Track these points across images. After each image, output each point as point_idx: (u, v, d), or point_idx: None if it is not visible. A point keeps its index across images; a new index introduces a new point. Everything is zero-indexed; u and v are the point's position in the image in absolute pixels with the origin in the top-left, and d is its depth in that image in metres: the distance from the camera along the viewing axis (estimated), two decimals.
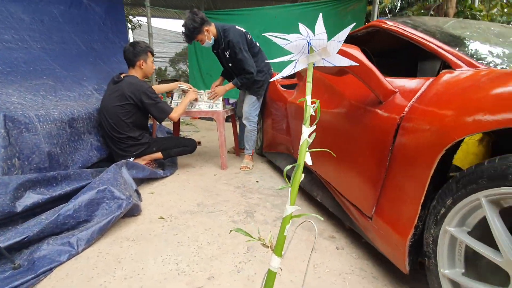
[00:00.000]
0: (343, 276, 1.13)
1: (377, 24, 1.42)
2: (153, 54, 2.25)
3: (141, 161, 2.17)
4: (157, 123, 2.53)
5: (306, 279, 1.10)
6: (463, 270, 0.80)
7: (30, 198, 1.31)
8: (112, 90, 2.08)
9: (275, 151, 2.61)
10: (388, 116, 1.02)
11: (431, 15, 4.78)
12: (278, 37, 0.57)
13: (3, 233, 1.16)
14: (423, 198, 0.85)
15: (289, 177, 0.52)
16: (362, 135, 1.17)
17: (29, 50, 1.82)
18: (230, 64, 2.46)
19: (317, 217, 0.50)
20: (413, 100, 0.97)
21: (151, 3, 5.44)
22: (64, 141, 1.74)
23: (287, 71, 0.59)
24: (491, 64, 0.94)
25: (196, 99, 2.46)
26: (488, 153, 0.86)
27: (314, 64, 0.57)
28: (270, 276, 0.50)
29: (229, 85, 2.47)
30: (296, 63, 0.58)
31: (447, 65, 1.04)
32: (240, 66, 2.35)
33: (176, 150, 2.33)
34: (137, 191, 1.77)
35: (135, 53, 2.12)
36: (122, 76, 2.13)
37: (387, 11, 7.35)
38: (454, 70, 0.93)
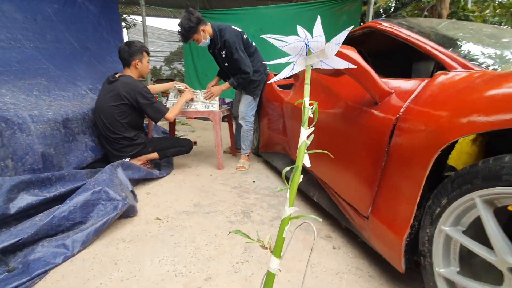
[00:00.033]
0: (340, 276, 1.14)
1: (372, 25, 1.43)
2: (148, 54, 2.23)
3: (137, 162, 2.16)
4: (153, 123, 2.52)
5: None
6: (458, 269, 0.81)
7: (24, 199, 1.30)
8: (107, 90, 2.06)
9: (271, 151, 2.61)
10: (384, 116, 1.03)
11: (425, 15, 4.83)
12: (276, 39, 0.57)
13: None
14: (418, 198, 0.86)
15: (287, 179, 0.52)
16: (358, 135, 1.18)
17: (22, 50, 1.79)
18: (226, 64, 2.45)
19: (316, 219, 0.50)
20: (408, 101, 0.98)
21: (146, 2, 5.39)
22: (58, 141, 1.72)
23: (285, 73, 0.59)
24: (483, 65, 0.95)
25: (192, 99, 2.45)
26: (481, 152, 0.87)
27: (312, 66, 0.57)
28: (269, 277, 0.51)
29: (225, 85, 2.46)
30: (294, 65, 0.58)
31: (440, 66, 1.06)
32: (236, 66, 2.35)
33: (172, 150, 2.32)
34: (133, 192, 1.76)
35: (131, 52, 2.11)
36: (117, 76, 2.11)
37: (382, 12, 7.40)
38: (449, 71, 0.95)
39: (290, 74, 0.58)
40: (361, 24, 5.09)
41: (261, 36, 0.62)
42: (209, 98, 2.47)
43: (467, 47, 1.13)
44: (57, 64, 2.03)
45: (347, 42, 1.68)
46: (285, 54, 0.61)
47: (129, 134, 2.09)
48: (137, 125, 2.19)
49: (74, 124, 1.90)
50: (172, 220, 1.55)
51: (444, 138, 0.76)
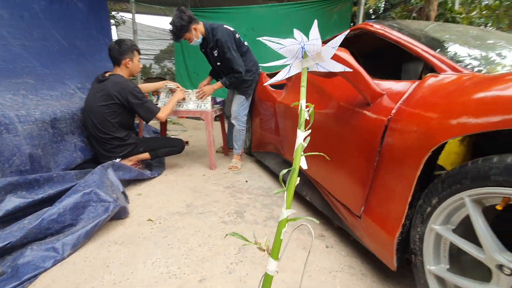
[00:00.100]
0: (333, 274, 1.15)
1: (364, 27, 1.45)
2: (139, 53, 2.20)
3: (128, 162, 2.13)
4: (144, 122, 2.49)
5: (297, 277, 1.12)
6: (447, 266, 0.83)
7: (12, 202, 1.26)
8: (97, 89, 2.02)
9: (264, 151, 2.62)
10: (376, 117, 1.05)
11: (414, 17, 4.92)
12: (273, 42, 0.57)
13: None
14: (410, 197, 0.88)
15: (284, 181, 0.52)
16: (351, 136, 1.20)
17: (8, 47, 1.73)
18: (218, 63, 2.44)
19: (313, 220, 0.51)
20: (400, 102, 1.00)
21: None
22: (46, 142, 1.67)
23: (282, 75, 0.59)
24: (468, 66, 0.98)
25: (184, 99, 2.43)
26: (469, 152, 0.90)
27: (308, 68, 0.58)
28: (267, 279, 0.51)
29: (218, 84, 2.45)
30: (290, 67, 0.58)
31: (429, 67, 1.08)
32: (229, 65, 2.34)
33: (163, 150, 2.30)
34: (124, 193, 1.74)
35: (121, 51, 2.07)
36: (107, 74, 2.07)
37: (372, 12, 7.50)
38: (439, 74, 0.97)
39: (287, 77, 0.58)
40: (352, 24, 5.15)
41: (257, 38, 0.62)
42: (201, 98, 2.45)
43: (456, 49, 1.16)
44: (45, 63, 1.98)
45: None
46: (277, 53, 0.61)
47: (119, 134, 2.06)
48: (127, 125, 2.16)
49: (63, 124, 1.86)
50: (165, 221, 1.53)
51: (435, 139, 0.78)
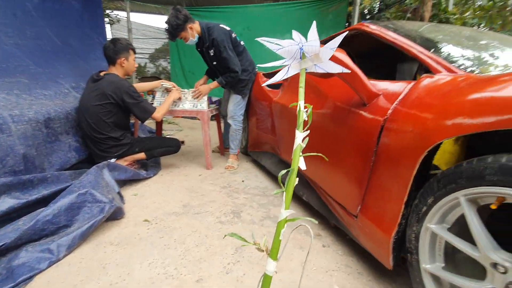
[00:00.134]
0: (330, 273, 1.16)
1: (359, 27, 1.46)
2: (134, 52, 2.18)
3: (123, 162, 2.11)
4: (139, 122, 2.47)
5: (294, 277, 1.12)
6: (443, 264, 0.84)
7: (6, 203, 1.24)
8: (92, 89, 2.00)
9: (260, 151, 2.62)
10: (373, 118, 1.06)
11: (408, 17, 4.96)
12: (271, 42, 0.57)
13: None
14: (406, 197, 0.89)
15: (282, 182, 0.52)
16: (348, 135, 1.21)
17: (1, 46, 1.70)
18: (214, 63, 2.43)
19: (312, 221, 0.51)
20: (396, 103, 1.01)
21: None
22: (40, 142, 1.65)
23: (280, 76, 0.60)
24: (462, 67, 0.99)
25: (179, 98, 2.42)
26: (462, 152, 0.91)
27: (306, 69, 0.58)
28: (266, 279, 0.51)
29: (214, 84, 2.44)
30: (288, 68, 0.58)
31: (423, 67, 1.10)
32: (225, 65, 2.33)
33: (159, 150, 2.28)
34: (119, 194, 1.72)
35: (116, 50, 2.05)
36: (102, 74, 2.05)
37: (366, 12, 7.54)
38: (434, 74, 0.98)
39: (285, 77, 0.59)
40: (347, 24, 5.18)
41: (256, 39, 0.62)
42: (197, 97, 2.44)
43: (450, 50, 1.17)
44: (38, 62, 1.95)
45: None
46: (273, 53, 0.61)
47: (115, 134, 2.04)
48: (123, 125, 2.14)
49: (57, 123, 1.83)
50: (161, 221, 1.53)
51: (430, 139, 0.79)
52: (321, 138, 1.41)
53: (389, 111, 1.00)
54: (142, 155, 2.20)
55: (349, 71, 0.70)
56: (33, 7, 1.97)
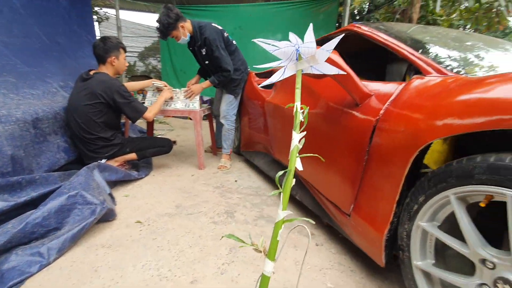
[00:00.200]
0: (324, 272, 1.17)
1: (351, 28, 1.48)
2: (125, 51, 2.15)
3: (114, 163, 2.08)
4: (130, 122, 2.43)
5: (288, 276, 1.13)
6: (433, 261, 0.87)
7: None
8: (81, 88, 1.96)
9: (252, 150, 2.62)
10: (365, 118, 1.07)
11: (397, 19, 5.05)
12: (268, 43, 0.58)
13: None
14: (398, 195, 0.91)
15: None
16: (340, 136, 1.22)
17: None
18: (206, 62, 2.42)
19: (309, 221, 0.52)
20: (387, 103, 1.02)
21: None
22: (28, 143, 1.61)
23: (276, 77, 0.60)
24: (449, 67, 1.02)
25: (171, 98, 2.40)
26: (451, 151, 0.94)
27: (302, 71, 0.59)
28: (264, 280, 0.51)
29: (206, 83, 2.43)
30: (285, 69, 0.59)
31: (412, 68, 1.12)
32: (217, 64, 2.32)
33: (151, 150, 2.26)
34: (111, 195, 1.70)
35: (106, 49, 2.02)
36: (91, 73, 2.01)
37: (356, 13, 7.63)
38: (424, 76, 1.00)
39: (281, 79, 0.59)
40: (337, 24, 5.23)
41: (252, 40, 0.62)
42: (189, 97, 2.42)
43: (440, 52, 1.20)
44: (26, 60, 1.89)
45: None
46: (266, 52, 0.61)
47: (105, 134, 2.01)
48: (113, 125, 2.10)
49: (45, 124, 1.79)
50: (154, 223, 1.51)
51: (422, 139, 0.81)
52: (314, 138, 1.42)
53: (381, 112, 1.02)
54: (133, 156, 2.17)
55: (345, 73, 0.71)
56: (21, 4, 1.92)
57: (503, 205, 0.65)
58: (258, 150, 2.50)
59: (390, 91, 1.06)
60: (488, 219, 0.76)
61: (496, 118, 0.65)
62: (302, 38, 0.57)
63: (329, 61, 0.99)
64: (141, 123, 3.67)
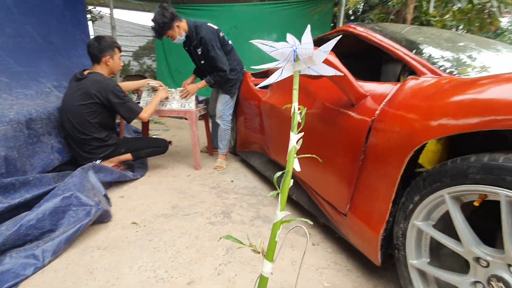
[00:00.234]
0: (320, 271, 1.18)
1: (347, 29, 1.49)
2: (120, 50, 2.13)
3: (109, 163, 2.06)
4: (125, 122, 2.41)
5: (285, 276, 1.13)
6: (428, 260, 0.88)
7: None
8: (75, 88, 1.94)
9: (248, 150, 2.62)
10: (361, 118, 1.08)
11: (391, 19, 5.09)
12: (265, 44, 0.58)
13: None
14: (393, 195, 0.91)
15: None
16: (336, 136, 1.23)
17: None
18: (202, 62, 2.41)
19: (307, 222, 0.52)
20: (383, 104, 1.03)
21: None
22: (21, 143, 1.59)
23: (274, 78, 0.60)
24: (443, 68, 1.03)
25: (167, 98, 2.38)
26: (445, 151, 0.95)
27: (300, 72, 0.59)
28: (263, 281, 0.51)
29: (202, 83, 2.42)
30: (282, 70, 0.59)
31: (407, 68, 1.13)
32: (213, 64, 2.31)
33: (146, 150, 2.24)
34: (106, 196, 1.68)
35: (101, 48, 2.00)
36: (85, 72, 1.99)
37: (351, 13, 7.68)
38: (419, 76, 1.01)
39: (279, 80, 0.59)
40: (332, 24, 5.25)
41: (250, 41, 0.62)
42: (185, 97, 2.41)
43: (435, 53, 1.22)
44: (19, 60, 1.87)
45: (322, 45, 1.73)
46: (262, 52, 0.61)
47: (100, 135, 1.99)
48: (108, 125, 2.09)
49: (39, 124, 1.77)
50: (150, 224, 1.50)
51: (417, 139, 0.82)
52: (310, 138, 1.43)
53: (377, 112, 1.03)
54: (128, 156, 2.15)
55: (342, 74, 0.71)
56: (13, 3, 1.89)
57: (496, 204, 0.67)
58: (254, 150, 2.50)
59: (385, 92, 1.07)
60: (481, 218, 0.78)
61: (490, 118, 0.66)
62: (297, 38, 0.57)
63: (326, 62, 1.00)
64: (136, 123, 3.64)
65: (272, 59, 0.62)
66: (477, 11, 4.44)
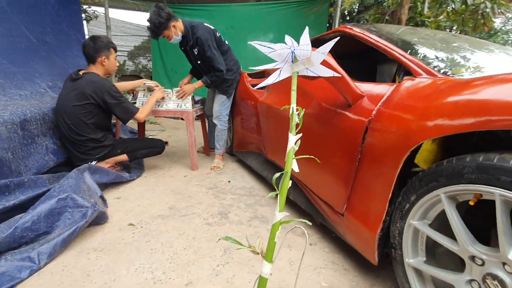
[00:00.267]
0: (318, 271, 1.18)
1: (343, 30, 1.50)
2: (116, 50, 2.12)
3: (105, 164, 2.05)
4: (121, 123, 2.40)
5: (283, 276, 1.14)
6: (424, 258, 0.89)
7: None
8: (70, 89, 1.92)
9: (245, 151, 2.62)
10: (358, 118, 1.09)
11: (387, 20, 5.13)
12: (264, 46, 0.58)
13: None
14: (390, 195, 0.92)
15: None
16: (333, 136, 1.23)
17: None
18: (198, 62, 2.40)
19: (306, 222, 0.52)
20: (379, 104, 1.04)
21: None
22: (16, 145, 1.57)
23: (272, 79, 0.60)
24: (438, 69, 1.04)
25: (163, 98, 2.37)
26: (440, 150, 0.96)
27: (298, 73, 0.59)
28: (262, 282, 0.52)
29: (198, 83, 2.42)
30: (280, 71, 0.59)
31: (402, 69, 1.14)
32: (209, 64, 2.31)
33: (143, 151, 2.23)
34: (102, 197, 1.67)
35: (96, 48, 1.98)
36: (81, 73, 1.98)
37: (347, 14, 7.72)
38: (415, 77, 1.02)
39: (277, 81, 0.59)
40: (328, 24, 5.28)
41: (248, 43, 0.62)
42: (182, 97, 2.41)
43: (430, 53, 1.23)
44: (13, 60, 1.84)
45: (319, 44, 1.74)
46: (258, 52, 0.61)
47: (95, 136, 1.97)
48: (104, 126, 2.07)
49: (33, 125, 1.75)
50: (147, 225, 1.50)
51: (413, 140, 0.83)
52: (307, 138, 1.43)
53: (373, 112, 1.03)
54: (124, 157, 2.14)
55: (340, 75, 0.72)
56: (7, 2, 1.87)
57: (491, 203, 0.68)
58: (251, 150, 2.51)
59: (382, 92, 1.08)
60: (477, 217, 0.79)
61: (485, 119, 0.67)
62: (294, 38, 0.57)
63: (323, 63, 1.01)
64: (132, 124, 3.62)
65: (269, 59, 0.63)
66: (471, 12, 4.50)
